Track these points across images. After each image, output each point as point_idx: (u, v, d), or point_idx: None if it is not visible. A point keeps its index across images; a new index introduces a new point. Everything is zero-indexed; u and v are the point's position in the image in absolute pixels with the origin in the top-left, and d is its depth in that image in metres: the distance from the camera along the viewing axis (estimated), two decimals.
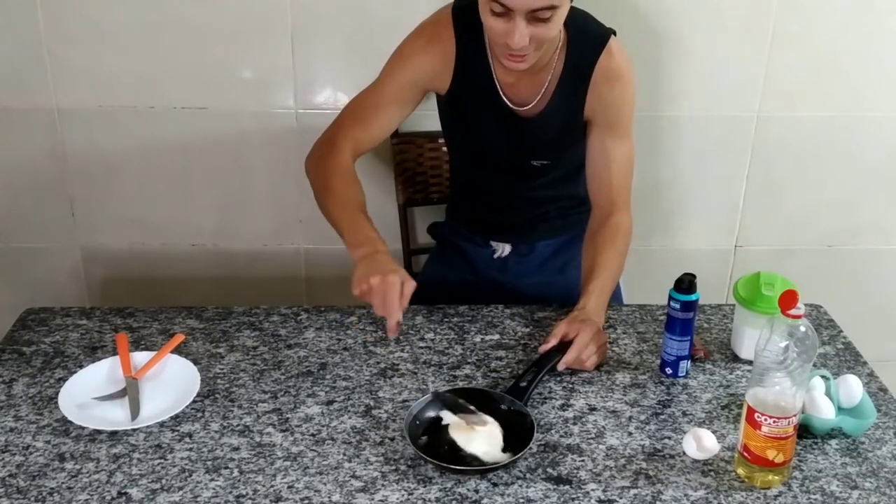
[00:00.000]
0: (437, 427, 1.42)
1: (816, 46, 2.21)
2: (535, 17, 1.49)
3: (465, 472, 1.33)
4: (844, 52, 2.22)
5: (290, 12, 2.14)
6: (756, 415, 1.29)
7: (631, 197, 1.80)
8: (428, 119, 2.07)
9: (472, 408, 1.45)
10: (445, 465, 1.33)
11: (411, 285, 1.58)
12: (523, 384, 1.49)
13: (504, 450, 1.37)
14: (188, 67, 2.19)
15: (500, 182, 1.87)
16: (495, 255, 1.98)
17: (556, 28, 1.54)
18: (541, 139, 1.77)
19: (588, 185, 1.81)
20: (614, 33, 1.71)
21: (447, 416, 1.44)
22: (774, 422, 1.28)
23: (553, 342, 1.57)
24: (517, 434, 1.39)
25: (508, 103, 1.73)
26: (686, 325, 1.54)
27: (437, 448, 1.37)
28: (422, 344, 1.67)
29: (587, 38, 1.69)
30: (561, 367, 1.55)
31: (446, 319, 1.75)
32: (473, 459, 1.35)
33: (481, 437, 1.38)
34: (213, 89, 2.21)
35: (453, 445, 1.38)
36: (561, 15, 1.53)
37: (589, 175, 1.80)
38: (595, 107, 1.72)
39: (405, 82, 1.74)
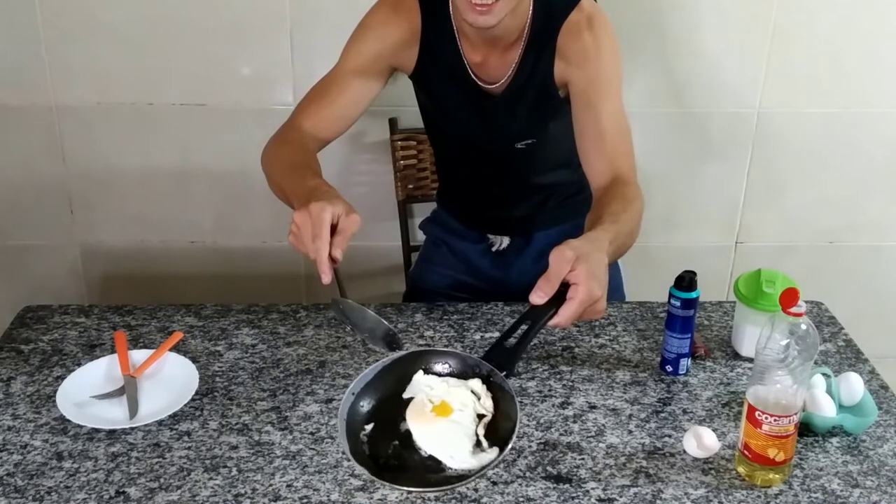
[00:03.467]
0: (391, 407, 1.15)
1: (817, 42, 2.20)
2: None
3: (406, 490, 1.09)
4: (845, 49, 2.21)
5: (289, 8, 2.14)
6: (757, 413, 1.28)
7: (635, 167, 1.60)
8: None
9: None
10: (379, 480, 1.06)
11: (353, 219, 1.32)
12: (509, 344, 1.18)
13: (478, 444, 1.13)
14: (187, 64, 2.18)
15: (488, 171, 1.82)
16: (493, 248, 1.95)
17: None
18: (516, 116, 1.68)
19: (582, 162, 1.61)
20: None
21: (413, 385, 1.18)
22: (775, 420, 1.27)
23: (547, 291, 1.20)
24: (498, 420, 1.14)
25: (477, 81, 1.66)
26: (687, 323, 1.53)
27: (383, 441, 1.10)
28: (421, 342, 1.66)
29: (554, 6, 1.60)
30: (553, 324, 1.20)
31: (445, 317, 1.74)
32: (430, 463, 1.08)
33: (446, 432, 1.13)
34: (212, 86, 2.21)
35: (407, 440, 1.11)
36: None
37: (580, 149, 1.60)
38: (567, 67, 1.59)
39: (369, 54, 1.65)
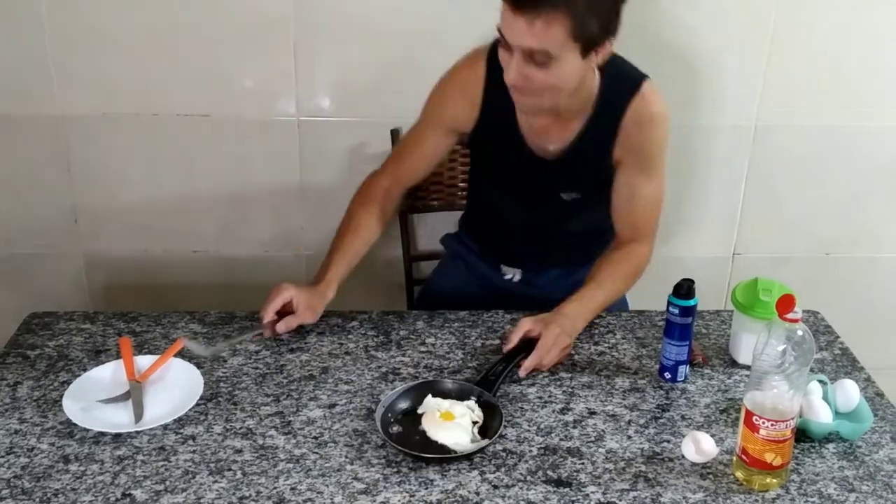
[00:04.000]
0: (410, 418, 1.48)
1: (815, 55, 2.23)
2: (532, 58, 1.50)
3: (430, 459, 1.38)
4: (843, 62, 2.24)
5: (293, 21, 2.16)
6: (754, 418, 1.30)
7: (656, 231, 1.82)
8: None
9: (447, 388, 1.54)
10: (413, 452, 1.38)
11: (304, 316, 1.67)
12: (492, 377, 1.55)
13: (474, 440, 1.44)
14: (191, 75, 2.20)
15: (528, 216, 1.87)
16: (505, 278, 1.99)
17: (554, 77, 1.53)
18: (567, 178, 1.77)
19: (612, 216, 1.81)
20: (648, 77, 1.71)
21: (425, 404, 1.50)
22: (772, 425, 1.29)
23: (514, 340, 1.61)
24: (489, 425, 1.46)
25: (532, 150, 1.75)
26: (685, 331, 1.55)
27: (408, 438, 1.43)
28: (423, 349, 1.68)
29: (619, 83, 1.68)
30: (522, 373, 1.59)
31: (447, 325, 1.76)
32: (442, 449, 1.40)
33: (451, 428, 1.43)
34: (215, 97, 2.23)
35: (424, 436, 1.43)
36: (563, 67, 1.51)
37: (613, 208, 1.80)
38: (624, 150, 1.71)
39: (435, 124, 1.80)
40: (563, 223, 1.86)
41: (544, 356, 1.59)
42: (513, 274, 1.98)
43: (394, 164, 1.87)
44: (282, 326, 1.65)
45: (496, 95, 1.69)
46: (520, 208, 1.87)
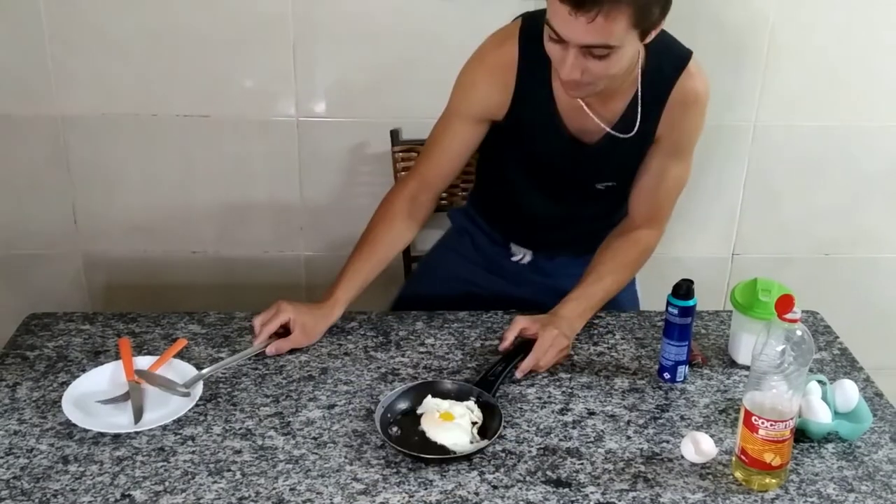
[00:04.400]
0: (409, 418, 1.48)
1: (813, 56, 2.23)
2: (590, 52, 1.42)
3: (429, 460, 1.38)
4: (841, 63, 2.24)
5: (292, 21, 2.16)
6: (753, 418, 1.30)
7: (670, 216, 1.80)
8: (430, 126, 2.09)
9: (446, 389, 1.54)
10: (413, 453, 1.38)
11: (298, 339, 1.64)
12: (491, 378, 1.55)
13: (472, 440, 1.43)
14: (191, 75, 2.21)
15: (552, 204, 1.81)
16: (513, 259, 1.94)
17: (615, 67, 1.46)
18: (610, 163, 1.71)
19: (632, 194, 1.75)
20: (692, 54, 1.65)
21: (425, 404, 1.49)
22: (771, 425, 1.29)
23: (510, 338, 1.62)
24: (489, 425, 1.46)
25: (570, 132, 1.66)
26: (684, 331, 1.55)
27: (408, 438, 1.43)
28: (422, 349, 1.68)
29: (665, 60, 1.62)
30: (519, 374, 1.59)
31: (446, 325, 1.76)
32: (442, 449, 1.40)
33: (451, 429, 1.43)
34: (215, 97, 2.23)
35: (423, 436, 1.43)
36: (623, 55, 1.44)
37: (636, 186, 1.74)
38: (666, 129, 1.65)
39: (465, 115, 1.69)
40: (591, 211, 1.81)
41: (541, 357, 1.58)
42: (522, 254, 1.93)
43: (421, 164, 1.76)
44: (272, 350, 1.63)
45: (530, 77, 1.61)
46: (545, 196, 1.79)
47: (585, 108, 1.62)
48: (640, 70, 1.60)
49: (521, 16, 1.65)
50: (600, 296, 1.70)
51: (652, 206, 1.75)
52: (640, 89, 1.61)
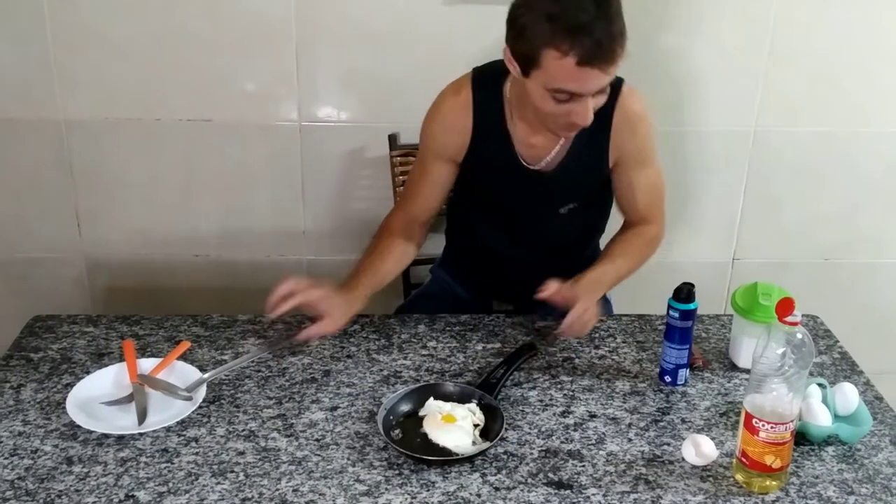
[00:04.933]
0: (411, 420, 1.49)
1: (813, 62, 2.25)
2: (601, 90, 1.53)
3: (432, 461, 1.39)
4: (841, 68, 2.26)
5: (295, 26, 2.18)
6: (754, 420, 1.31)
7: (664, 211, 1.84)
8: None
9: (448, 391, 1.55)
10: (415, 455, 1.39)
11: (325, 326, 1.60)
12: (493, 380, 1.56)
13: (474, 442, 1.44)
14: (194, 80, 2.22)
15: (522, 236, 1.85)
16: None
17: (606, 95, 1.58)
18: (565, 187, 1.77)
19: (619, 208, 1.85)
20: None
21: (427, 406, 1.51)
22: (772, 427, 1.30)
23: (549, 291, 1.58)
24: (491, 427, 1.47)
25: (526, 164, 1.74)
26: (685, 334, 1.56)
27: (410, 440, 1.44)
28: (424, 352, 1.69)
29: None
30: (559, 332, 1.62)
31: (448, 328, 1.77)
32: (444, 451, 1.41)
33: (453, 431, 1.44)
34: (218, 102, 2.24)
35: (425, 438, 1.44)
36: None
37: (618, 201, 1.83)
38: (620, 151, 1.73)
39: (431, 157, 1.79)
40: (559, 238, 1.86)
41: (577, 320, 1.58)
42: (505, 310, 1.97)
43: (405, 201, 1.86)
44: (303, 337, 1.61)
45: (485, 118, 1.71)
46: (512, 231, 1.85)
47: (539, 140, 1.71)
48: None
49: (472, 70, 1.75)
50: (612, 273, 1.74)
51: (640, 213, 1.82)
52: None
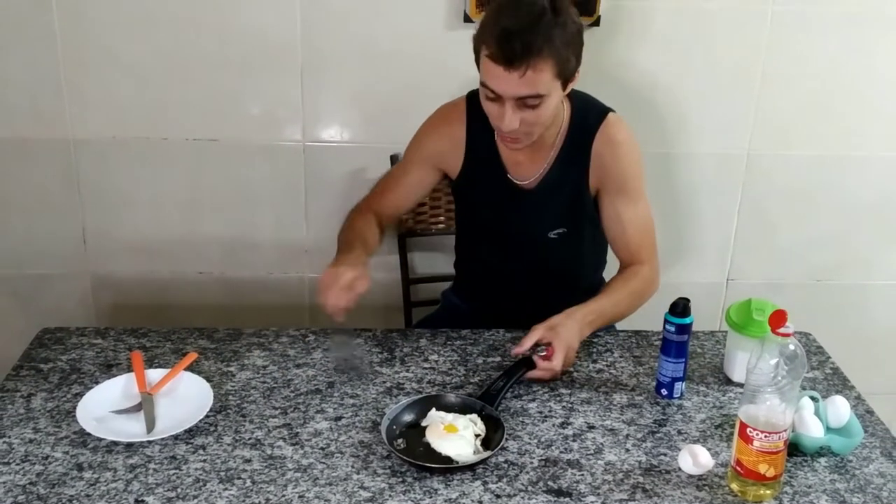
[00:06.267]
0: (414, 431, 1.53)
1: (806, 86, 2.30)
2: (524, 103, 1.61)
3: (434, 469, 1.42)
4: (833, 92, 2.31)
5: (300, 48, 2.23)
6: (748, 430, 1.35)
7: (656, 252, 1.88)
8: None
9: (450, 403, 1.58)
10: (418, 462, 1.43)
11: (362, 283, 1.65)
12: (494, 392, 1.59)
13: (476, 451, 1.48)
14: (200, 100, 2.26)
15: (518, 262, 1.91)
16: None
17: (545, 113, 1.65)
18: (549, 208, 1.84)
19: (610, 245, 1.91)
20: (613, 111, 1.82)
21: (428, 417, 1.54)
22: (766, 436, 1.33)
23: (527, 345, 1.65)
24: (491, 437, 1.51)
25: (513, 179, 1.83)
26: (681, 348, 1.60)
27: (413, 449, 1.48)
28: (426, 365, 1.72)
29: (588, 113, 1.80)
30: (528, 377, 1.66)
31: (449, 342, 1.81)
32: (446, 460, 1.45)
33: (454, 440, 1.47)
34: (224, 122, 2.29)
35: (428, 447, 1.48)
36: (551, 101, 1.64)
37: (608, 235, 1.88)
38: (601, 175, 1.80)
39: (418, 160, 1.89)
40: (556, 265, 1.91)
41: (549, 372, 1.64)
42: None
43: (376, 197, 1.94)
44: (346, 304, 1.64)
45: (478, 131, 1.81)
46: (506, 255, 1.92)
47: (523, 157, 1.81)
48: (567, 122, 1.79)
49: (467, 93, 1.85)
50: (609, 309, 1.78)
51: (630, 251, 1.86)
52: (567, 136, 1.80)
